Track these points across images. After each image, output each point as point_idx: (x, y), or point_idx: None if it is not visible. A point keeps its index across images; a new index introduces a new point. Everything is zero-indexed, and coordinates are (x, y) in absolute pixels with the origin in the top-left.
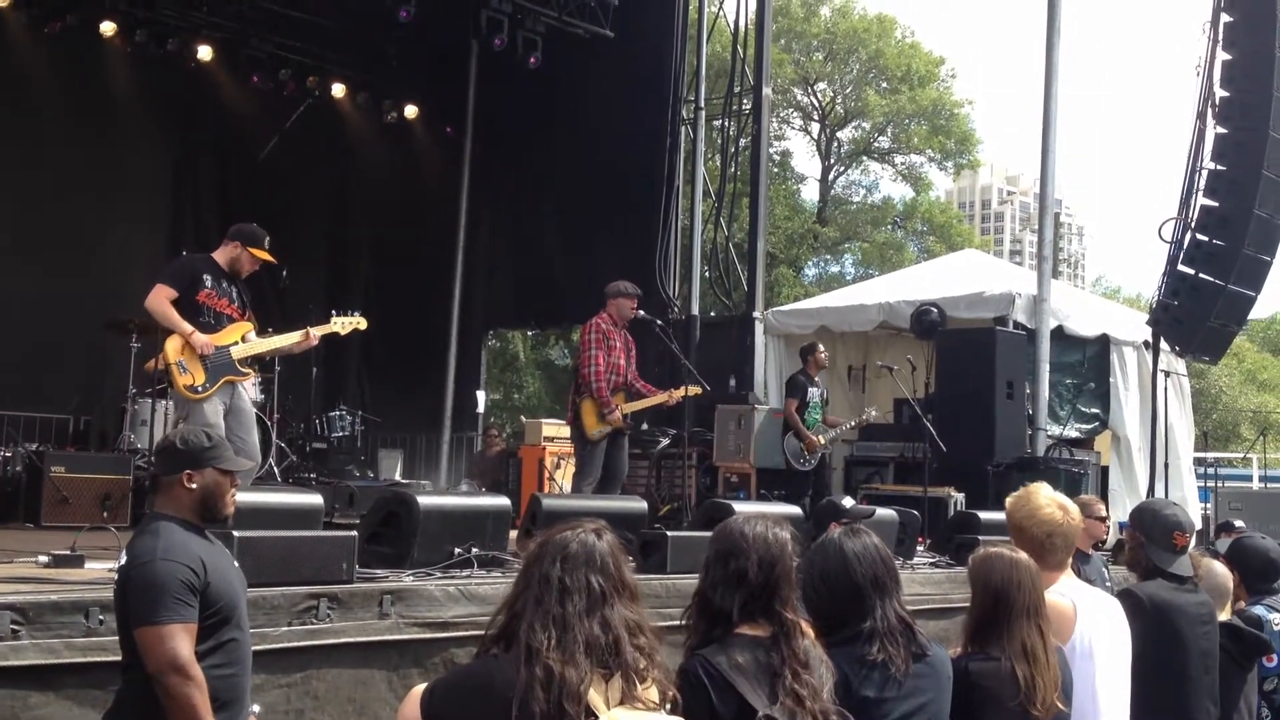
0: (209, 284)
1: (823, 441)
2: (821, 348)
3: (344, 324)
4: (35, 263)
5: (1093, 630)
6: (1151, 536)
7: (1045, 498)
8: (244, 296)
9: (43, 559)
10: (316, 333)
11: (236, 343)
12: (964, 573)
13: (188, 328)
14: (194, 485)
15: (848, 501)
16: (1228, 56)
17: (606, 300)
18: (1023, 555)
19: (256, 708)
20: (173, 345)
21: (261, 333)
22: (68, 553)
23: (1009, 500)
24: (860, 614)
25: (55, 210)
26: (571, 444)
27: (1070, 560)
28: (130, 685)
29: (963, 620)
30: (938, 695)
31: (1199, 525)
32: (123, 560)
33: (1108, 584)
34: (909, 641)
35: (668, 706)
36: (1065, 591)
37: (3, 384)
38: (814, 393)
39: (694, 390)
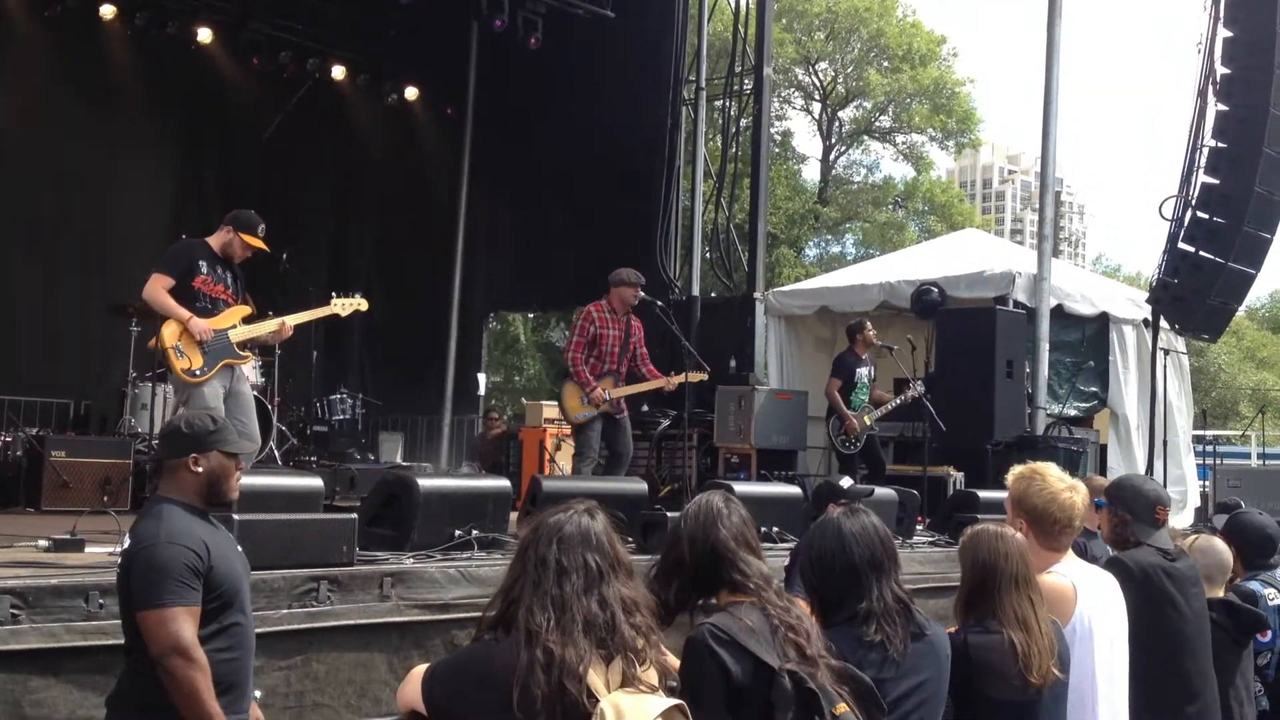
0: (204, 269)
1: (868, 422)
2: (869, 325)
3: (344, 305)
4: (36, 247)
5: (1092, 610)
6: (1135, 512)
7: (1059, 480)
8: (238, 282)
9: (43, 543)
10: (293, 321)
11: (234, 326)
12: None
13: (185, 314)
14: (199, 469)
15: (845, 481)
16: (1229, 33)
17: (609, 287)
18: (1008, 529)
19: (258, 693)
20: (169, 330)
21: (261, 316)
22: (68, 537)
23: (1016, 482)
24: (857, 595)
25: (56, 194)
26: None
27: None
28: (133, 669)
29: (956, 598)
30: (936, 673)
31: (1198, 503)
32: (126, 544)
33: None
34: (907, 621)
35: (667, 687)
36: (1065, 572)
37: (3, 368)
38: (862, 372)
39: (695, 376)
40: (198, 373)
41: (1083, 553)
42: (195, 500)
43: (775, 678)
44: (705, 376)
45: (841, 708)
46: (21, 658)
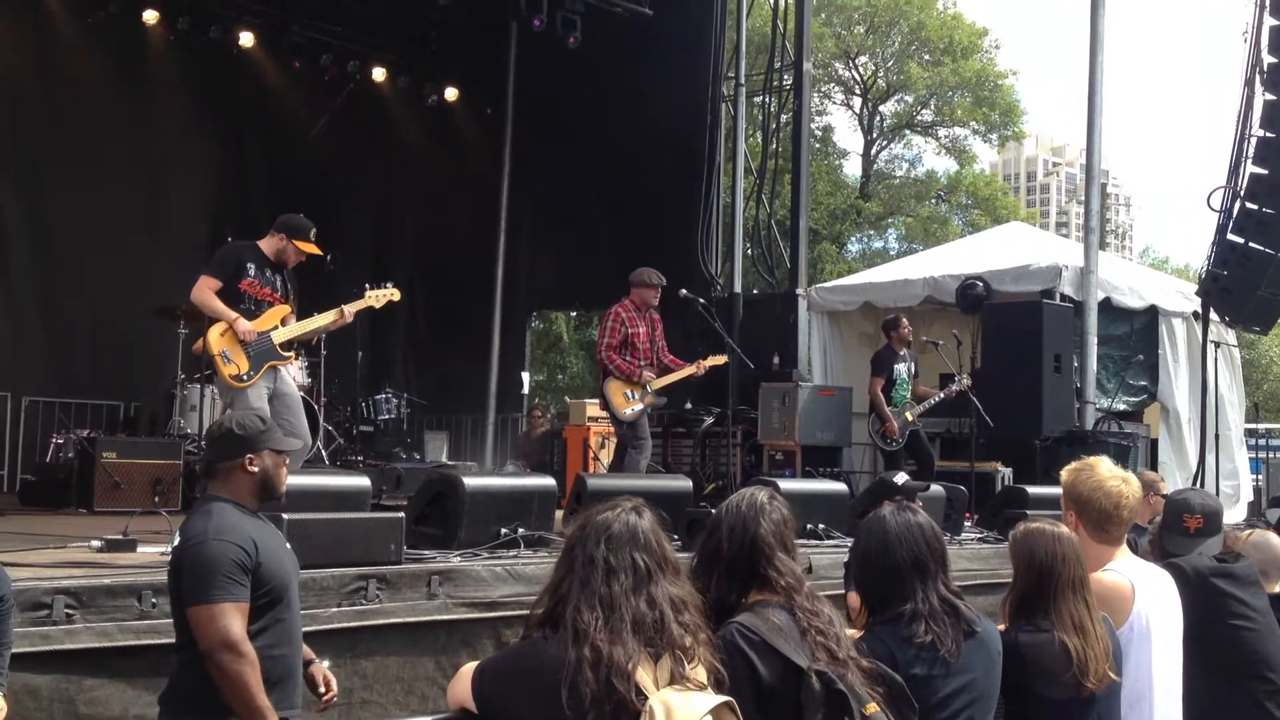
0: (252, 272)
1: (910, 418)
2: (905, 322)
3: (378, 296)
4: (82, 251)
5: (1149, 609)
6: (1166, 523)
7: (1108, 470)
8: (287, 285)
9: (95, 543)
10: (351, 310)
11: (276, 327)
12: None
13: (232, 314)
14: (255, 469)
15: (900, 477)
16: (1275, 22)
17: (630, 287)
18: (1064, 529)
19: (326, 662)
20: (215, 335)
21: (304, 316)
22: (120, 537)
23: (1067, 474)
24: (902, 595)
25: (102, 199)
26: (613, 427)
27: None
28: (184, 666)
29: (1004, 596)
30: (987, 671)
31: (1250, 497)
32: (176, 541)
33: None
34: (956, 621)
35: (715, 684)
36: (1123, 570)
37: (53, 371)
38: (900, 369)
39: (717, 359)
40: (244, 377)
41: (1133, 548)
42: (248, 499)
43: (804, 678)
44: (725, 359)
45: (872, 708)
46: (76, 657)
